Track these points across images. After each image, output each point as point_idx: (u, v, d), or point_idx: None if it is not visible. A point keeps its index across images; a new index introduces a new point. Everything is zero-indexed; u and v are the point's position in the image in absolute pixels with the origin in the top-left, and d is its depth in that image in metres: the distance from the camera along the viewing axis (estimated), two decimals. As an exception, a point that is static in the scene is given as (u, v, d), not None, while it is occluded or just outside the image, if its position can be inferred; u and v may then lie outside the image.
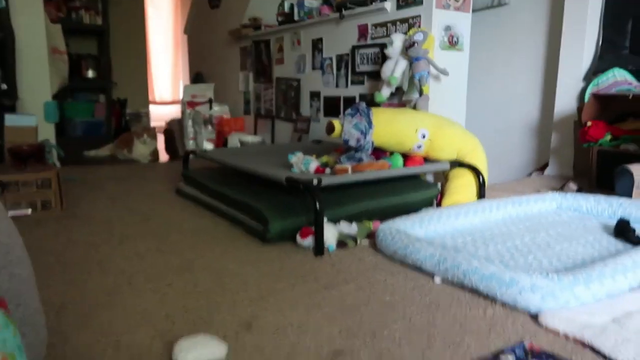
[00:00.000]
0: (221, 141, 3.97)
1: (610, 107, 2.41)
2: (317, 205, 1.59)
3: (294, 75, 3.61)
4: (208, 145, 4.04)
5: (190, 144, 4.10)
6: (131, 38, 5.81)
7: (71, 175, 2.97)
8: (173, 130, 4.16)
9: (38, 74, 3.24)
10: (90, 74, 5.07)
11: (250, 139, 3.52)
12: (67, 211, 2.16)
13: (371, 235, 1.74)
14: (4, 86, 3.09)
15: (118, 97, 5.43)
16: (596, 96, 2.40)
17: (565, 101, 2.70)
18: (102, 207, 2.26)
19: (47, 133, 3.23)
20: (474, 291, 1.28)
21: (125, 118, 5.44)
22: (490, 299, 1.24)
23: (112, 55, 5.34)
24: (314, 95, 3.39)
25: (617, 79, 2.45)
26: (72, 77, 4.87)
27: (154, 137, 3.79)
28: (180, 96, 8.31)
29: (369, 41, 2.80)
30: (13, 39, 3.11)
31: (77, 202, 2.34)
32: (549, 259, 1.44)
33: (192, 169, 2.62)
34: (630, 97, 2.27)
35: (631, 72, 2.45)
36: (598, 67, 2.58)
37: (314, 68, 3.39)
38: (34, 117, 2.93)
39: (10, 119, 2.81)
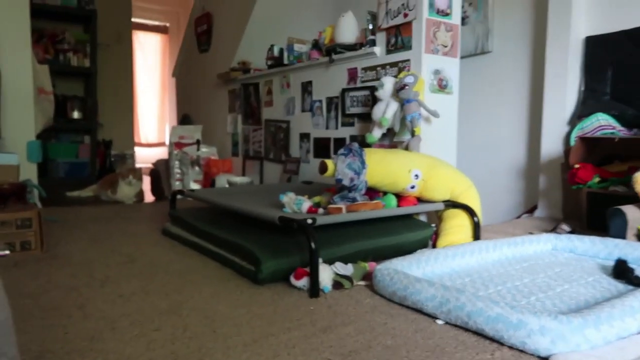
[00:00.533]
0: (209, 182, 3.92)
1: (596, 150, 2.46)
2: (312, 245, 1.55)
3: (284, 117, 3.63)
4: (195, 186, 3.97)
5: (177, 185, 4.04)
6: (118, 80, 5.83)
7: (52, 216, 2.88)
8: (159, 171, 4.10)
9: (23, 114, 3.19)
10: (76, 114, 5.04)
11: (238, 179, 3.48)
12: (47, 252, 2.07)
13: (367, 276, 1.70)
14: (-13, 124, 3.03)
15: (103, 138, 5.39)
16: (583, 139, 2.44)
17: (551, 144, 2.74)
18: (83, 248, 2.17)
19: (30, 173, 3.15)
20: (480, 334, 1.23)
21: (110, 159, 5.38)
22: (497, 342, 1.19)
23: (98, 97, 5.34)
24: (304, 136, 3.39)
25: (600, 123, 2.50)
26: (58, 118, 4.84)
27: (140, 178, 3.72)
28: (167, 138, 8.28)
29: (358, 84, 2.83)
30: (-1, 77, 3.08)
31: (58, 243, 2.25)
32: (552, 301, 1.40)
33: (180, 208, 2.56)
34: (617, 140, 2.31)
35: (614, 116, 2.50)
36: (582, 112, 2.63)
37: (303, 110, 3.41)
38: (15, 155, 2.85)
39: (-9, 158, 2.74)
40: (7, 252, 1.98)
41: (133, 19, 6.38)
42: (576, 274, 1.67)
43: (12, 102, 3.14)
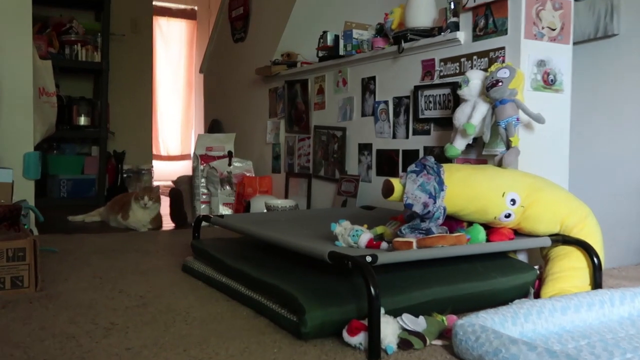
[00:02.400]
0: (242, 206, 3.99)
1: None
2: (372, 291, 1.53)
3: (338, 123, 3.66)
4: (225, 211, 4.05)
5: (203, 209, 4.14)
6: (135, 79, 6.11)
7: (50, 247, 3.01)
8: (181, 191, 4.22)
9: (19, 119, 3.37)
10: (83, 120, 5.31)
11: (280, 203, 3.52)
12: (42, 291, 2.16)
13: (445, 334, 1.67)
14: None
15: (114, 150, 5.64)
16: None
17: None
18: (86, 287, 2.25)
19: (26, 192, 3.32)
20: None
21: (122, 175, 5.60)
22: None
23: (110, 99, 5.60)
24: (364, 148, 3.40)
25: None
26: (61, 124, 5.10)
27: (157, 200, 3.84)
28: (192, 149, 8.53)
29: (436, 80, 2.83)
30: (-6, 76, 3.28)
31: (55, 280, 2.34)
32: None
33: (205, 239, 2.62)
34: None
35: None
36: None
37: (364, 114, 3.42)
38: (9, 171, 3.02)
39: (-19, 173, 2.91)
40: (-4, 289, 2.08)
41: (154, 2, 6.67)
42: None
43: (7, 106, 3.33)
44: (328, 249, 1.74)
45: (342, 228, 1.97)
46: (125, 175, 5.75)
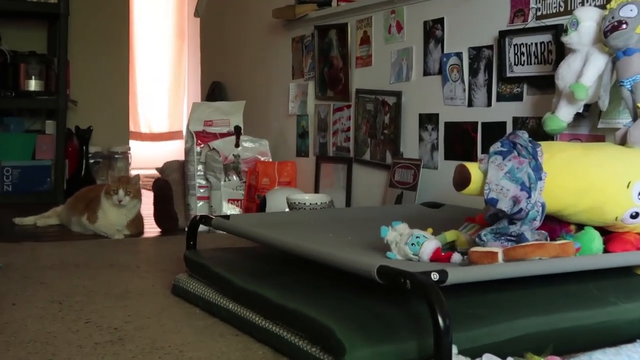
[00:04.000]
0: (255, 203, 4.01)
1: None
2: (441, 322, 1.53)
3: (391, 85, 3.66)
4: (231, 210, 4.06)
5: (200, 207, 4.16)
6: (105, 28, 6.16)
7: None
8: (169, 183, 4.25)
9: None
10: (34, 85, 5.37)
11: (308, 199, 3.53)
12: (-20, 320, 2.20)
13: (545, 384, 1.65)
14: None
15: (77, 127, 5.70)
16: None
17: None
18: (41, 315, 2.28)
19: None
20: None
21: (87, 161, 5.66)
22: None
23: (71, 56, 5.65)
24: (428, 120, 3.40)
25: None
26: (2, 90, 5.18)
27: (136, 195, 3.88)
28: (184, 124, 8.55)
29: (530, 23, 2.80)
30: None
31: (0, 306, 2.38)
32: None
33: (203, 250, 2.64)
34: None
35: None
36: None
37: (427, 73, 3.42)
38: None
39: None
40: None
41: None
42: None
43: None
44: (377, 263, 1.73)
45: (397, 234, 1.96)
46: (92, 162, 5.81)
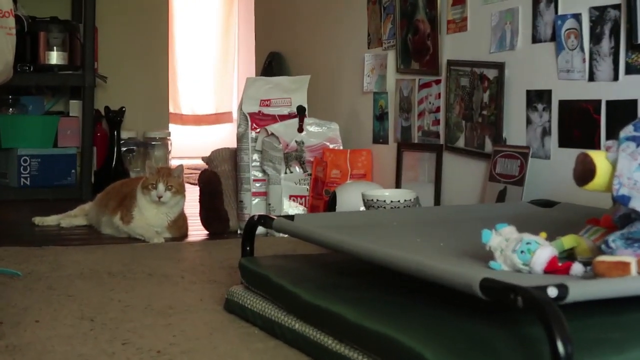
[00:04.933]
0: (323, 200, 4.01)
1: None
2: (560, 348, 1.50)
3: (491, 55, 3.64)
4: (295, 209, 4.07)
5: (256, 205, 4.18)
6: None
7: (8, 268, 3.12)
8: (218, 176, 4.28)
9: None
10: (55, 57, 5.44)
11: (388, 195, 3.52)
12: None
13: None
14: None
15: (107, 107, 5.79)
16: None
17: None
18: (69, 334, 2.30)
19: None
20: None
21: (119, 150, 5.73)
22: None
23: (99, 23, 5.72)
24: (538, 98, 3.38)
25: None
26: (20, 64, 5.23)
27: (179, 190, 3.92)
28: (235, 105, 8.62)
29: (669, -26, 2.75)
30: None
31: (20, 323, 2.40)
32: None
33: (262, 257, 2.65)
34: None
35: None
36: None
37: (536, 39, 3.40)
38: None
39: None
40: None
41: None
42: None
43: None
44: (479, 275, 1.71)
45: (502, 239, 1.94)
46: (124, 150, 5.89)
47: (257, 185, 4.23)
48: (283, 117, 4.30)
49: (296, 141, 4.19)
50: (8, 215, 4.46)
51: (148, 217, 3.92)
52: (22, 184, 5.43)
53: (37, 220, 4.36)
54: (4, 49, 4.00)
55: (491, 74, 3.59)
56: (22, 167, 5.42)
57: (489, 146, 3.60)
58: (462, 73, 3.79)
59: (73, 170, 5.53)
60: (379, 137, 4.46)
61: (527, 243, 1.91)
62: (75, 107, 5.64)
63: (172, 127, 6.83)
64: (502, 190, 3.42)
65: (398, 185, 4.18)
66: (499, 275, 1.76)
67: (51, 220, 4.36)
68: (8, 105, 5.57)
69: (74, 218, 4.37)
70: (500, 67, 3.54)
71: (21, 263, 3.25)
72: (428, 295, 2.01)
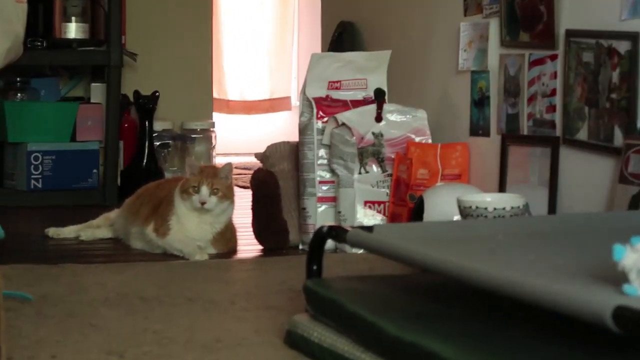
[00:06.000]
0: (406, 207, 4.01)
1: None
2: None
3: (622, 22, 3.61)
4: (372, 218, 4.07)
5: (322, 213, 4.18)
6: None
7: (18, 291, 3.16)
8: (276, 177, 4.29)
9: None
10: (73, 30, 5.49)
11: (490, 201, 3.50)
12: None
13: None
14: None
15: (137, 92, 5.84)
16: None
17: None
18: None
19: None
20: None
21: (151, 144, 5.76)
22: None
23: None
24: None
25: None
26: (31, 38, 5.27)
27: (227, 195, 3.93)
28: (296, 88, 8.64)
29: None
30: None
31: (30, 357, 2.43)
32: None
33: (332, 278, 2.64)
34: None
35: None
36: None
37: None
38: None
39: None
40: None
41: None
42: None
43: None
44: (610, 302, 1.70)
45: (639, 256, 1.92)
46: (158, 144, 5.93)
47: (324, 188, 4.23)
48: (357, 103, 4.30)
49: (373, 133, 4.18)
50: (16, 226, 4.49)
51: (188, 228, 3.94)
52: (32, 186, 5.46)
53: (52, 231, 4.40)
54: (12, 18, 4.05)
55: (622, 47, 3.56)
56: (32, 166, 5.46)
57: (619, 139, 3.57)
58: (585, 46, 3.76)
59: (95, 170, 5.56)
60: (478, 128, 4.43)
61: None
62: (97, 91, 5.68)
63: (217, 117, 6.87)
64: (637, 194, 3.39)
65: (502, 188, 4.15)
66: (637, 302, 1.76)
67: (68, 231, 4.39)
68: (16, 89, 5.62)
69: (97, 229, 4.41)
70: (634, 38, 3.51)
71: (33, 285, 3.28)
72: (545, 327, 2.01)
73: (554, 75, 3.96)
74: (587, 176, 3.77)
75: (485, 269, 2.12)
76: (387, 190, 4.16)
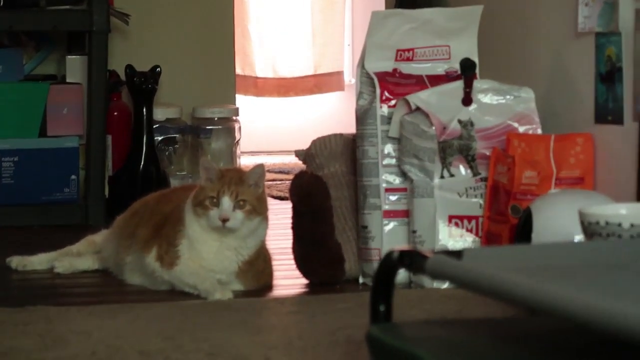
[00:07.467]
0: (508, 223, 4.00)
1: None
2: None
3: None
4: (458, 238, 4.07)
5: (390, 232, 4.17)
6: None
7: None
8: (325, 183, 4.30)
9: None
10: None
11: (625, 214, 3.49)
12: None
13: None
14: None
15: (130, 67, 5.85)
16: None
17: None
18: None
19: None
20: None
21: (151, 138, 5.80)
22: None
23: None
24: None
25: None
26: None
27: (257, 209, 3.94)
28: (349, 61, 8.72)
29: None
30: None
31: None
32: None
33: (406, 323, 2.64)
34: None
35: None
36: None
37: None
38: None
39: None
40: None
41: None
42: None
43: None
44: None
45: None
46: (160, 139, 5.97)
47: (393, 198, 4.23)
48: (436, 80, 4.30)
49: (460, 121, 4.17)
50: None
51: (205, 256, 3.95)
52: (-11, 200, 5.53)
53: (16, 262, 4.44)
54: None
55: None
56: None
57: None
58: None
59: (73, 176, 5.59)
60: (607, 113, 4.40)
61: None
62: (75, 67, 5.70)
63: (242, 100, 6.88)
64: None
65: (640, 196, 4.14)
66: None
67: (39, 262, 4.43)
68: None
69: (77, 258, 4.43)
70: None
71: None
72: None
73: None
74: None
75: (623, 311, 2.10)
76: (481, 201, 4.14)
